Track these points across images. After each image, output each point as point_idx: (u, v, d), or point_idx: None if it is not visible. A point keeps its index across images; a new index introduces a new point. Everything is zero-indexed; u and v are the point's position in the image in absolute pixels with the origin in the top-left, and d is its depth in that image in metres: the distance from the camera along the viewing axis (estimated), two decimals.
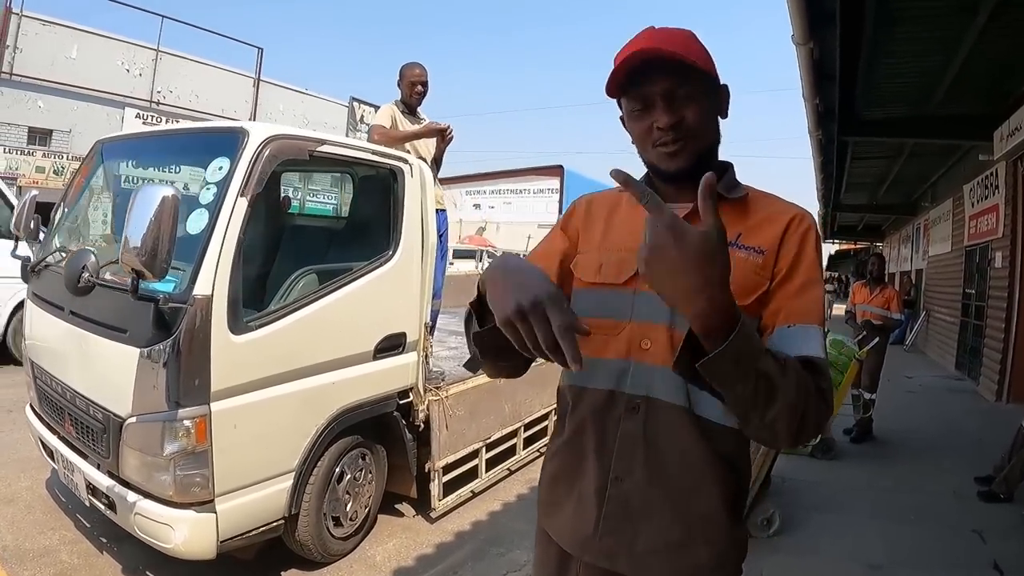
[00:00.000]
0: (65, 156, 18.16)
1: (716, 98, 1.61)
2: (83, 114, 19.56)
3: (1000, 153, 9.53)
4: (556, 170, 26.39)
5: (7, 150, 18.79)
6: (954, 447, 7.96)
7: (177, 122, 19.23)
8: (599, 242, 1.70)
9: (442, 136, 5.78)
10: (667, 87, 1.51)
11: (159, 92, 21.92)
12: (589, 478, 1.59)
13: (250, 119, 23.28)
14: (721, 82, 1.63)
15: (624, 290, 1.59)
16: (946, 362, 14.72)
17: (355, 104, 26.28)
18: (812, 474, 6.67)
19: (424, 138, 5.66)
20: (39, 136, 19.94)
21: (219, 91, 23.18)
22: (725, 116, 1.65)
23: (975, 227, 12.60)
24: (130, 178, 4.82)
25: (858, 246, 34.76)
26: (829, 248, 40.07)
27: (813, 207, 23.12)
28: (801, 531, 5.16)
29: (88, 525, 4.63)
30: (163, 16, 22.16)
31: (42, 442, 4.39)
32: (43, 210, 4.96)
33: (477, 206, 29.37)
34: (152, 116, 20.90)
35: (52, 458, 4.29)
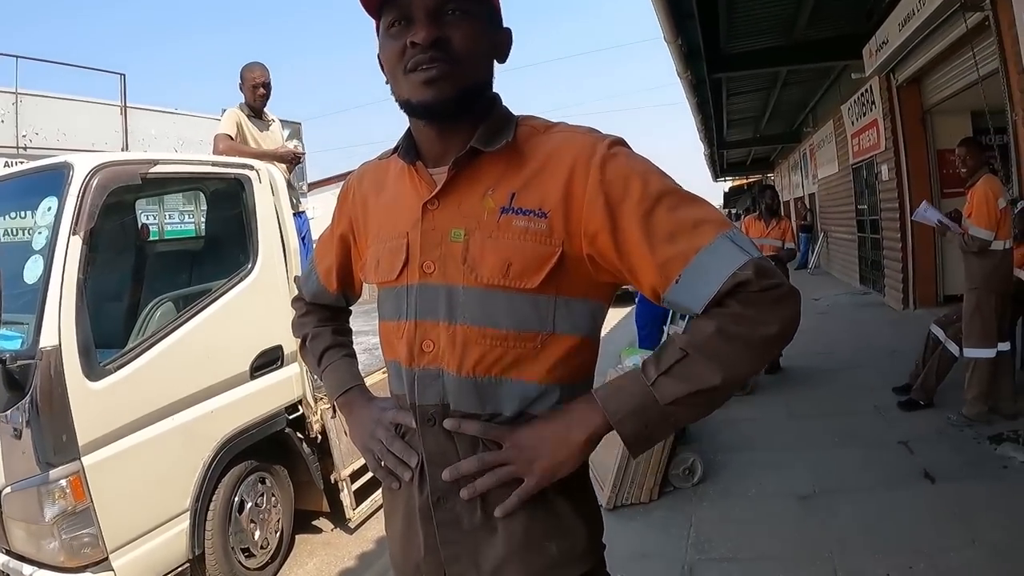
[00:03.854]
0: None
1: (493, 34, 1.37)
2: None
3: (872, 68, 9.72)
4: None
5: None
6: (869, 362, 8.02)
7: None
8: (374, 231, 1.51)
9: (291, 159, 5.58)
10: (433, 1, 1.24)
11: (24, 136, 21.05)
12: (412, 496, 1.42)
13: (122, 149, 22.63)
14: (504, 24, 1.41)
15: (398, 285, 1.40)
16: (850, 279, 15.14)
17: None
18: (731, 413, 6.49)
19: (276, 160, 5.35)
20: None
21: (87, 125, 22.31)
22: (503, 60, 1.40)
23: (858, 144, 12.91)
24: None
25: (750, 180, 35.32)
26: (723, 186, 40.74)
27: (698, 149, 23.46)
28: (727, 474, 5.10)
29: None
30: (18, 56, 21.29)
31: None
32: None
33: None
34: (20, 162, 20.09)
35: None
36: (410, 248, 1.37)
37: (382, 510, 4.20)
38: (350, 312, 1.93)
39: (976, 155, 5.64)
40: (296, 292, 1.93)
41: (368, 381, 1.82)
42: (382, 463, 1.49)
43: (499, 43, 1.40)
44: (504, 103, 1.43)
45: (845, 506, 4.39)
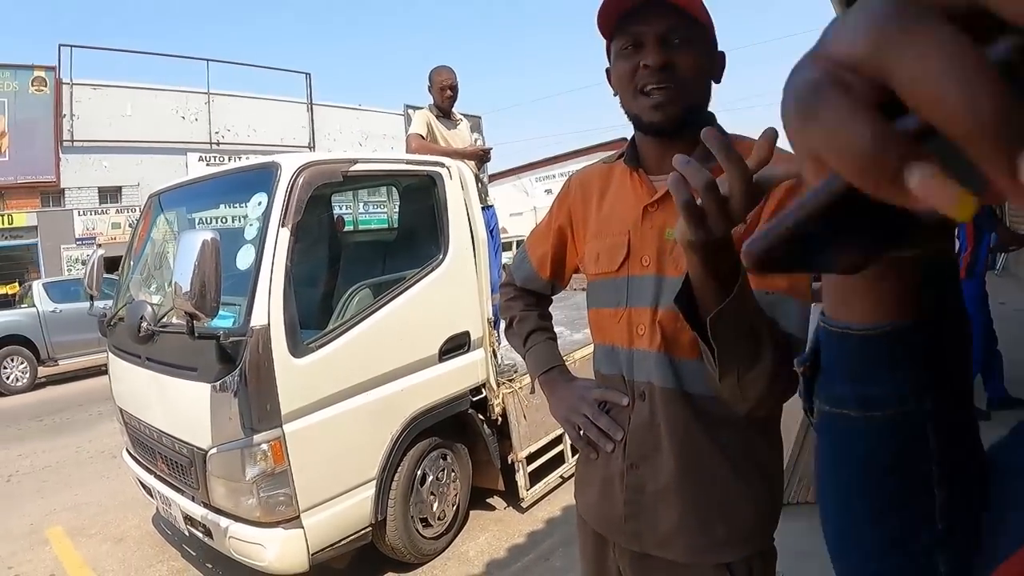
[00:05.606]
0: (138, 210, 18.97)
1: (711, 58, 1.53)
2: (148, 166, 20.25)
3: None
4: (622, 143, 25.83)
5: (82, 212, 19.54)
6: None
7: (239, 159, 19.65)
8: (595, 229, 1.69)
9: (480, 157, 5.77)
10: (662, 29, 1.42)
11: (217, 133, 22.49)
12: (612, 463, 1.60)
13: (309, 144, 23.75)
14: (718, 48, 1.55)
15: (619, 276, 1.59)
16: None
17: (409, 111, 26.20)
18: None
19: (466, 158, 5.51)
20: (109, 194, 20.76)
21: (275, 121, 23.64)
22: (719, 81, 1.56)
23: None
24: (186, 223, 4.96)
25: None
26: None
27: None
28: None
29: (193, 553, 4.85)
30: (208, 60, 22.76)
31: (140, 482, 4.61)
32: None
33: (549, 191, 28.82)
34: (214, 157, 21.43)
35: (151, 495, 4.49)
36: (631, 244, 1.56)
37: (554, 491, 4.33)
38: (551, 301, 2.08)
39: None
40: (506, 278, 2.10)
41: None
42: (583, 434, 1.66)
43: (715, 65, 1.55)
44: (718, 121, 1.58)
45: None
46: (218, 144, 22.33)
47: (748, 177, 1.01)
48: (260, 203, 3.81)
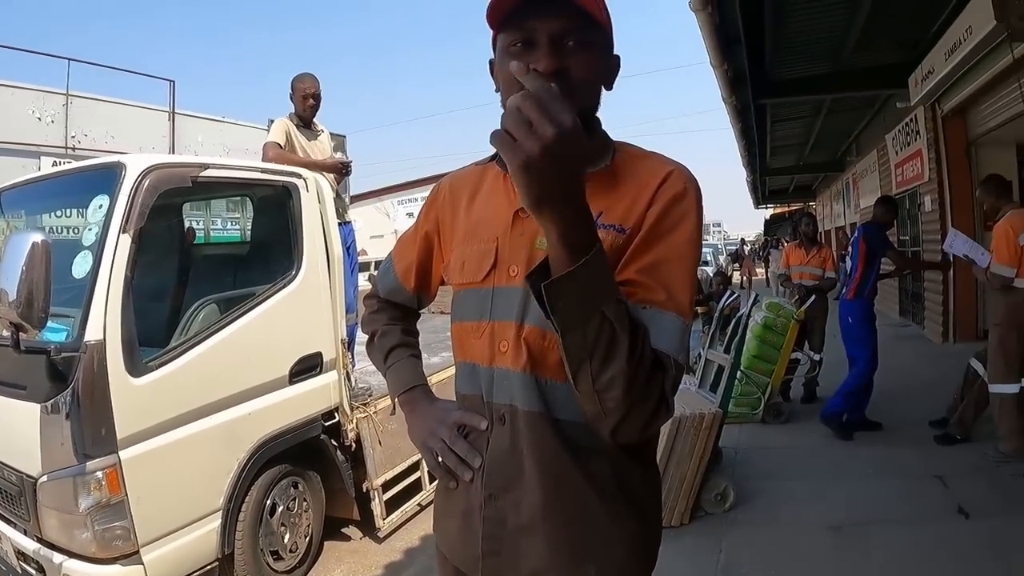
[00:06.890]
0: None
1: (607, 63, 1.43)
2: None
3: (917, 98, 9.69)
4: None
5: None
6: (907, 394, 7.92)
7: None
8: (462, 234, 1.56)
9: (340, 170, 5.61)
10: (557, 29, 1.30)
11: (73, 137, 21.45)
12: (472, 493, 1.46)
13: (169, 153, 22.94)
14: (614, 51, 1.46)
15: (483, 287, 1.45)
16: (890, 310, 14.90)
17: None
18: (765, 441, 6.65)
19: (325, 170, 5.35)
20: None
21: (135, 129, 22.64)
22: (610, 88, 1.45)
23: (901, 174, 12.78)
24: (18, 227, 4.62)
25: (792, 208, 34.97)
26: (764, 213, 40.39)
27: (740, 175, 23.30)
28: (758, 501, 5.08)
29: None
30: (70, 59, 21.71)
31: None
32: None
33: (410, 215, 28.90)
34: (69, 162, 20.43)
35: None
36: (499, 252, 1.43)
37: (412, 520, 4.16)
38: (419, 315, 1.96)
39: (995, 193, 5.88)
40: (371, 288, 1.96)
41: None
42: (441, 461, 1.52)
43: (610, 70, 1.45)
44: (604, 127, 1.50)
45: (877, 539, 4.35)
46: (74, 149, 21.31)
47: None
48: (101, 206, 3.59)
